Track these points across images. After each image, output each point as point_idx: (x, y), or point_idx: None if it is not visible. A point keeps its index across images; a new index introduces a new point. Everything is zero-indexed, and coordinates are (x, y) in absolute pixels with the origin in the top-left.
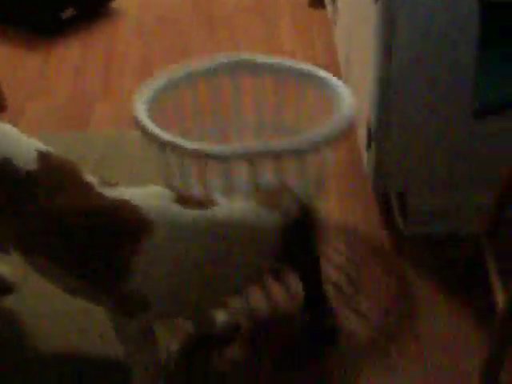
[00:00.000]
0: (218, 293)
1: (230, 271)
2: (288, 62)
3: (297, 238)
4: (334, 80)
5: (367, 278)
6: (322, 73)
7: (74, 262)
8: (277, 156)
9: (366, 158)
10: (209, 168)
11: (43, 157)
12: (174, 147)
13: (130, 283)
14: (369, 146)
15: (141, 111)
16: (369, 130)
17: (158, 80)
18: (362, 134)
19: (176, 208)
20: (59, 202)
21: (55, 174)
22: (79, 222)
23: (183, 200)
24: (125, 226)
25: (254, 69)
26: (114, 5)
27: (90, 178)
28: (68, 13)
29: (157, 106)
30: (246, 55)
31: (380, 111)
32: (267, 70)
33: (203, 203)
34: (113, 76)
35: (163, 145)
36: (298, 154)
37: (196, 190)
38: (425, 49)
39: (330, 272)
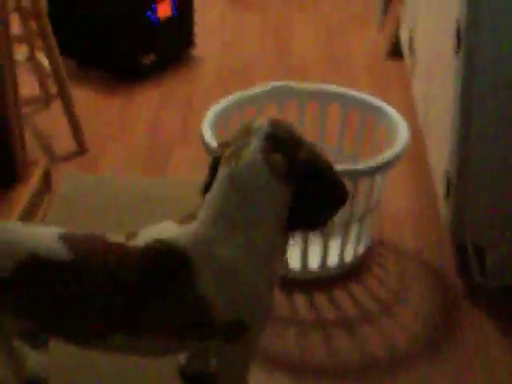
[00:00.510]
0: None
1: None
2: (352, 92)
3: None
4: (393, 112)
5: (442, 329)
6: (383, 104)
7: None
8: (355, 177)
9: (443, 208)
10: None
11: (67, 239)
12: None
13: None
14: (447, 196)
15: (207, 131)
16: (447, 179)
17: (226, 103)
18: (439, 182)
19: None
20: (105, 270)
21: (85, 250)
22: (134, 280)
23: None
24: (169, 264)
25: (322, 97)
26: (194, 52)
27: (116, 237)
28: (149, 58)
29: (221, 128)
30: (317, 84)
31: (459, 160)
32: (333, 99)
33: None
34: (191, 122)
35: None
36: (369, 174)
37: None
38: (506, 100)
39: (406, 319)
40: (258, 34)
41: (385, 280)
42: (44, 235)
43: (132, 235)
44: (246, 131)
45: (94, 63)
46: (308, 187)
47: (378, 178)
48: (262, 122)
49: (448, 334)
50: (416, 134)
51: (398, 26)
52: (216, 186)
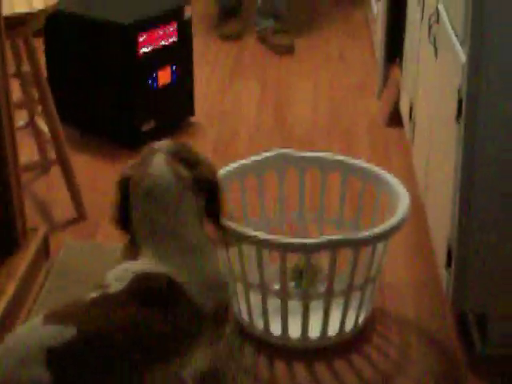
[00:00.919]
0: None
1: None
2: (352, 160)
3: None
4: (394, 181)
5: None
6: (383, 173)
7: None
8: (356, 245)
9: (445, 277)
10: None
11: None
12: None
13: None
14: (448, 265)
15: None
16: (448, 248)
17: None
18: (440, 252)
19: None
20: None
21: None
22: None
23: None
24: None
25: (323, 165)
26: (193, 119)
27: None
28: (149, 125)
29: None
30: (317, 152)
31: (460, 231)
32: (333, 167)
33: None
34: None
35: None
36: (369, 243)
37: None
38: (508, 169)
39: None
40: (257, 102)
41: (386, 350)
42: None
43: (103, 286)
44: (150, 151)
45: (94, 130)
46: (213, 198)
47: (380, 247)
48: (163, 141)
49: None
50: (416, 202)
51: (398, 94)
52: (137, 208)
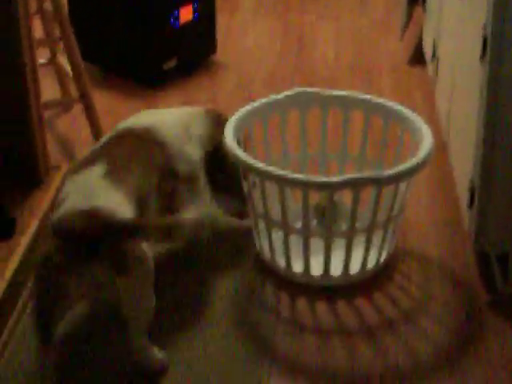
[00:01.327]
0: None
1: None
2: (375, 98)
3: None
4: (417, 119)
5: (465, 339)
6: (407, 111)
7: None
8: (378, 184)
9: (467, 216)
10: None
11: None
12: (273, 176)
13: None
14: (471, 204)
15: (230, 138)
16: (471, 187)
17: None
18: (463, 191)
19: None
20: None
21: None
22: None
23: None
24: None
25: (345, 103)
26: (215, 57)
27: None
28: (170, 63)
29: (245, 134)
30: (339, 91)
31: (483, 170)
32: (356, 105)
33: None
34: None
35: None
36: (392, 182)
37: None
38: None
39: (429, 328)
40: (280, 41)
41: (407, 288)
42: None
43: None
44: None
45: (116, 68)
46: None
47: (402, 186)
48: None
49: (471, 344)
50: (439, 142)
51: (421, 33)
52: None
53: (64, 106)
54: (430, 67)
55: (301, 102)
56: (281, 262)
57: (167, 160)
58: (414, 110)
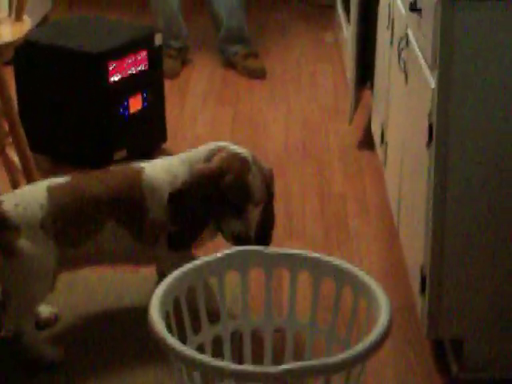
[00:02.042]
0: None
1: None
2: (325, 258)
3: None
4: (374, 285)
5: None
6: (359, 273)
7: None
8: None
9: (419, 303)
10: None
11: None
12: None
13: None
14: (422, 291)
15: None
16: (422, 274)
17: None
18: (414, 277)
19: None
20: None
21: None
22: None
23: None
24: None
25: (291, 263)
26: (166, 146)
27: None
28: (120, 154)
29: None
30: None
31: (433, 257)
32: (303, 265)
33: None
34: None
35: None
36: (347, 367)
37: None
38: (479, 194)
39: None
40: (230, 127)
41: None
42: None
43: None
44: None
45: (65, 159)
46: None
47: (355, 370)
48: None
49: None
50: (390, 227)
51: (370, 117)
52: None
53: None
54: (379, 152)
55: (241, 263)
56: None
57: None
58: (364, 194)
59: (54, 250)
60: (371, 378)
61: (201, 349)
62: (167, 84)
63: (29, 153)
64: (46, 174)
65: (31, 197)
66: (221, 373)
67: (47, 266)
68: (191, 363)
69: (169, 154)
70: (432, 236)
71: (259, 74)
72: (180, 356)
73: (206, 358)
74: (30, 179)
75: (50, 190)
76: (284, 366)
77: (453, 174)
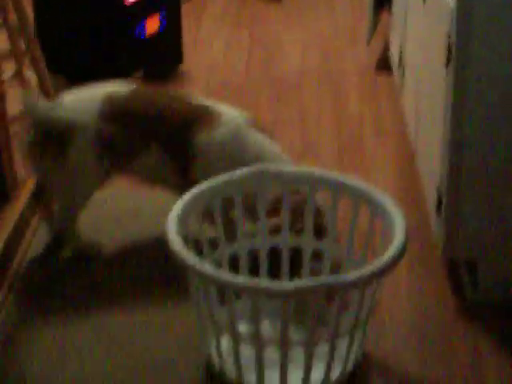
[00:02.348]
0: None
1: None
2: (344, 178)
3: None
4: (386, 200)
5: (436, 345)
6: (376, 193)
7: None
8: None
9: (435, 223)
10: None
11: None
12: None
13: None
14: (438, 211)
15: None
16: (439, 195)
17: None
18: (430, 197)
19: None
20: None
21: None
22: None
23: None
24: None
25: (311, 182)
26: (182, 68)
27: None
28: (137, 75)
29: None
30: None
31: (451, 177)
32: (323, 185)
33: None
34: None
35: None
36: (361, 285)
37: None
38: (496, 113)
39: (397, 336)
40: (246, 50)
41: None
42: None
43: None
44: None
45: (82, 80)
46: None
47: (370, 288)
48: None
49: (442, 354)
50: (406, 147)
51: (387, 41)
52: None
53: None
54: (397, 74)
55: (259, 182)
56: (231, 373)
57: None
58: (380, 116)
59: (102, 159)
60: (385, 298)
61: (218, 266)
62: (184, 6)
63: (46, 72)
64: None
65: (89, 103)
66: (235, 287)
67: (93, 173)
68: (207, 278)
69: (185, 75)
70: (449, 157)
71: None
72: (197, 271)
73: (222, 273)
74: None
75: (108, 99)
76: (297, 283)
77: (471, 93)
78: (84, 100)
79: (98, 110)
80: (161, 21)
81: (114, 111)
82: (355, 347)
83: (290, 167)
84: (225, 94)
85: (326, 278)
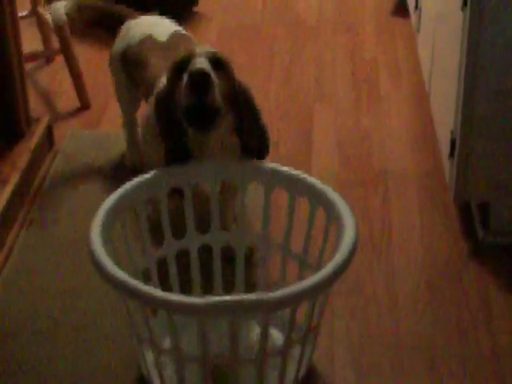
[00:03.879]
0: None
1: None
2: (302, 175)
3: None
4: (339, 201)
5: (446, 286)
6: (330, 192)
7: None
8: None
9: (447, 167)
10: None
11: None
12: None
13: None
14: (451, 155)
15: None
16: (452, 138)
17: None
18: (444, 141)
19: None
20: None
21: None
22: None
23: None
24: None
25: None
26: (197, 9)
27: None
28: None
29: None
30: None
31: (464, 120)
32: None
33: None
34: None
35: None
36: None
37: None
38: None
39: (409, 278)
40: None
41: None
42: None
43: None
44: (191, 55)
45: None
46: (244, 116)
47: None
48: (203, 48)
49: (452, 295)
50: (421, 91)
51: None
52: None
53: (45, 57)
54: (413, 18)
55: (212, 174)
56: None
57: None
58: (396, 59)
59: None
60: (398, 241)
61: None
62: None
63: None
64: (78, 35)
65: (132, 32)
66: (145, 300)
67: (125, 84)
68: (122, 289)
69: (200, 16)
70: (463, 101)
71: None
72: (110, 278)
73: (136, 284)
74: (62, 39)
75: (144, 37)
76: (217, 299)
77: (486, 36)
78: (132, 28)
79: (134, 37)
80: None
81: (142, 46)
82: (306, 357)
83: (247, 163)
84: (240, 36)
85: (247, 296)
